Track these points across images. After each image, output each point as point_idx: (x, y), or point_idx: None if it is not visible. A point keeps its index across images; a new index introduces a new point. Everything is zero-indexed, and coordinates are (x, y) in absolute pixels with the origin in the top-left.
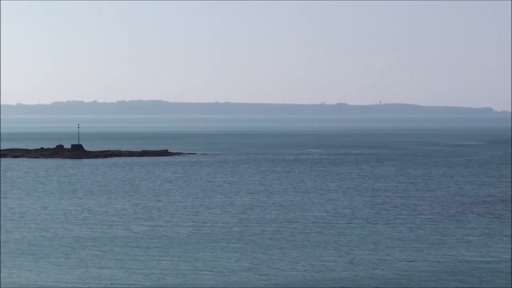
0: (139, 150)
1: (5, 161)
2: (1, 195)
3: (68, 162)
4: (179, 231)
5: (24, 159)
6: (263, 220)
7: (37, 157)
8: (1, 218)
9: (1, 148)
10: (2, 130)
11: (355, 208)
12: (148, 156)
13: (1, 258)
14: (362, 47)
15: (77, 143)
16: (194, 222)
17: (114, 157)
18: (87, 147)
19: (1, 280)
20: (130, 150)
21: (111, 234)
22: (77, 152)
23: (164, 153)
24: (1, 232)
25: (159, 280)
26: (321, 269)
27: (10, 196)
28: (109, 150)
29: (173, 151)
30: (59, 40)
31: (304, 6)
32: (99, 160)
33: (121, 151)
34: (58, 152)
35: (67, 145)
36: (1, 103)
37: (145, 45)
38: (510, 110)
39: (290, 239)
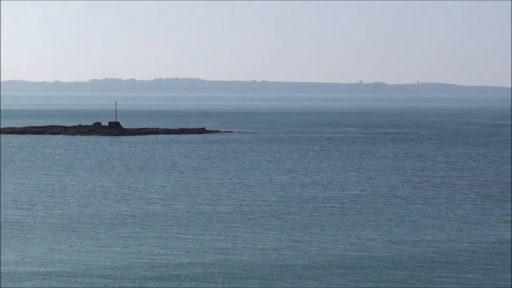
0: (176, 128)
1: (44, 138)
2: (43, 172)
3: (106, 139)
4: (218, 208)
5: (62, 136)
6: (302, 198)
7: (75, 134)
8: (42, 194)
9: (39, 125)
10: (40, 107)
11: (393, 187)
12: (185, 133)
13: (42, 233)
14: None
15: (114, 120)
16: (233, 199)
17: (151, 135)
18: (124, 124)
19: (43, 255)
20: (167, 127)
21: (151, 211)
22: (114, 129)
23: (201, 131)
24: (42, 207)
25: (198, 257)
26: (361, 248)
27: (50, 172)
28: (146, 128)
29: (210, 129)
30: (97, 17)
31: None
32: (137, 138)
33: (158, 128)
34: (95, 129)
35: (105, 123)
36: (39, 80)
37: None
38: None
39: (328, 217)
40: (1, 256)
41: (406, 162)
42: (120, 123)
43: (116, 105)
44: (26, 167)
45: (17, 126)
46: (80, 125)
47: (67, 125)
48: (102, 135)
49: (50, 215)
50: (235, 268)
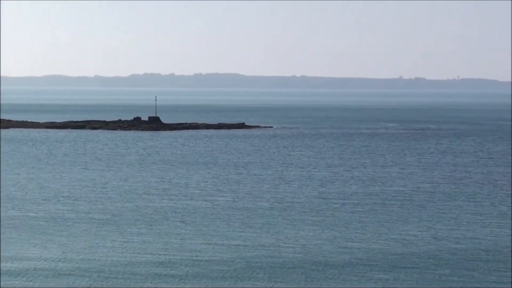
0: (216, 123)
1: (84, 132)
2: (84, 167)
3: (146, 134)
4: (259, 204)
5: (103, 130)
6: (343, 194)
7: (115, 129)
8: (83, 189)
9: (79, 120)
10: (80, 102)
11: (435, 183)
12: (224, 128)
13: (85, 227)
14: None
15: (154, 115)
16: (273, 195)
17: (191, 130)
18: (164, 119)
19: (86, 249)
20: (207, 123)
21: (192, 206)
22: (154, 124)
23: (241, 126)
24: (84, 202)
25: (240, 252)
26: (403, 243)
27: (91, 167)
28: (186, 123)
29: (250, 124)
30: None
31: None
32: (177, 132)
33: (198, 123)
34: (135, 124)
35: (144, 117)
36: (79, 75)
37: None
38: None
39: (370, 213)
40: (46, 249)
41: (447, 158)
42: (160, 118)
43: (155, 100)
44: (68, 162)
45: (58, 121)
46: (120, 120)
47: (107, 120)
48: (142, 130)
49: (92, 209)
50: (277, 264)
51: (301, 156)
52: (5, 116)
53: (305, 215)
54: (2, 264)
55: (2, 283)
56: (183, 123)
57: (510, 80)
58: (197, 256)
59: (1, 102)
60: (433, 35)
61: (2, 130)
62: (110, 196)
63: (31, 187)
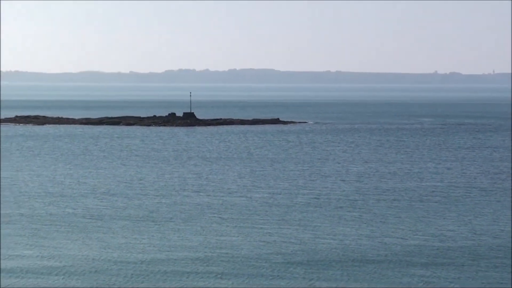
0: (250, 118)
1: (119, 128)
2: (121, 162)
3: (181, 130)
4: (296, 199)
5: (138, 127)
6: (380, 189)
7: (150, 125)
8: (120, 185)
9: (114, 116)
10: (115, 98)
11: (471, 177)
12: (259, 124)
13: (123, 223)
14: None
15: (189, 111)
16: (310, 190)
17: (225, 125)
18: (199, 115)
19: (125, 245)
20: (242, 118)
21: (229, 202)
22: (189, 120)
23: (276, 121)
24: (121, 198)
25: (278, 247)
26: (441, 239)
27: (128, 163)
28: (221, 118)
29: (285, 120)
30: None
31: None
32: (211, 128)
33: (232, 119)
34: (170, 120)
35: (179, 113)
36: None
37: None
38: None
39: (407, 208)
40: (85, 245)
41: (483, 153)
42: (195, 113)
43: (190, 95)
44: (104, 158)
45: (93, 117)
46: (155, 116)
47: (142, 116)
48: (177, 125)
49: (129, 205)
50: (314, 260)
51: (337, 151)
52: (40, 113)
53: (342, 211)
54: (42, 260)
55: (43, 279)
56: (217, 119)
57: None
58: (235, 252)
59: (40, 99)
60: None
61: (38, 126)
62: (147, 192)
63: (68, 183)
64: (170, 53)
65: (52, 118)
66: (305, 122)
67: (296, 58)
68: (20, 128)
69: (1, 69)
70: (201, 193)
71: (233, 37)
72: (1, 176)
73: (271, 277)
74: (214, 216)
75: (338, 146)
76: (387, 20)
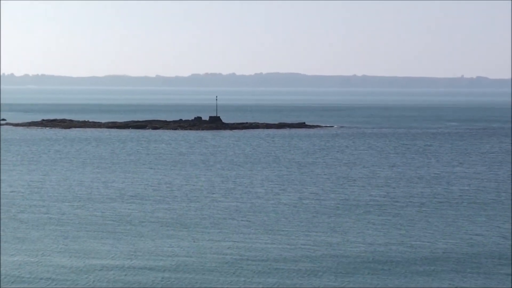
0: (276, 122)
1: (146, 132)
2: (148, 166)
3: (208, 133)
4: (324, 203)
5: (164, 130)
6: (408, 193)
7: (176, 129)
8: (148, 188)
9: (141, 120)
10: (141, 102)
11: (501, 181)
12: (285, 128)
13: (152, 227)
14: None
15: (215, 115)
16: (338, 194)
17: (251, 129)
18: (224, 119)
19: (155, 248)
20: (267, 122)
21: (258, 205)
22: (215, 124)
23: (302, 125)
24: (150, 202)
25: (308, 251)
26: (470, 243)
27: (155, 166)
28: (247, 122)
29: (310, 124)
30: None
31: None
32: (238, 132)
33: (258, 123)
34: (196, 124)
35: (205, 117)
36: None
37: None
38: None
39: (436, 212)
40: (114, 248)
41: (511, 157)
42: (220, 117)
43: (216, 99)
44: (132, 161)
45: (119, 121)
46: (181, 120)
47: (168, 119)
48: (203, 129)
49: (158, 209)
50: (344, 263)
51: (364, 155)
52: (66, 116)
53: (371, 215)
54: (71, 263)
55: (72, 282)
56: (243, 123)
57: None
58: (263, 255)
59: (66, 103)
60: (494, 34)
61: (64, 130)
62: (175, 195)
63: (96, 187)
64: (196, 57)
65: (78, 121)
66: (331, 126)
67: (322, 62)
68: (47, 131)
69: (28, 73)
70: (229, 197)
71: (260, 41)
72: (30, 179)
73: (300, 281)
74: (243, 220)
75: (365, 150)
76: (413, 23)
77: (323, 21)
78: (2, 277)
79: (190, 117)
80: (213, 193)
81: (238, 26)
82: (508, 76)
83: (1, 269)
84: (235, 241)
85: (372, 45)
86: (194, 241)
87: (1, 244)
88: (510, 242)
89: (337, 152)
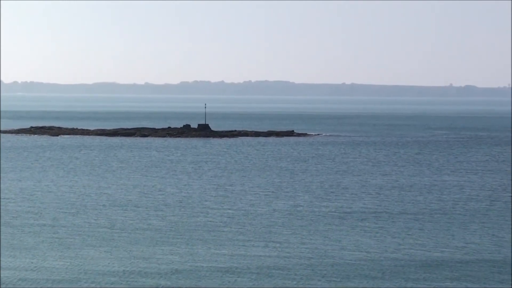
0: (265, 130)
1: (134, 139)
2: (140, 173)
3: (197, 141)
4: (318, 210)
5: (153, 138)
6: (402, 201)
7: (164, 136)
8: (142, 197)
9: (129, 127)
10: (130, 109)
11: (492, 190)
12: (274, 136)
13: (147, 234)
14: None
15: (203, 122)
16: (331, 202)
17: (240, 137)
18: (213, 126)
19: (149, 255)
20: (256, 130)
21: (251, 212)
22: (204, 131)
23: (290, 133)
24: (143, 209)
25: (303, 259)
26: (465, 251)
27: (148, 174)
28: (235, 130)
29: (299, 132)
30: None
31: None
32: (227, 140)
33: (247, 131)
34: (185, 131)
35: (194, 125)
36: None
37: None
38: None
39: (431, 220)
40: (109, 254)
41: (501, 165)
42: (209, 125)
43: (205, 107)
44: (122, 169)
45: (108, 128)
46: (169, 127)
47: (157, 127)
48: (192, 137)
49: (151, 216)
50: (339, 271)
51: (356, 164)
52: (55, 123)
53: (365, 222)
54: (67, 270)
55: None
56: (232, 131)
57: None
58: (259, 263)
59: (55, 110)
60: (483, 43)
61: (53, 137)
62: (169, 203)
63: (89, 194)
64: (186, 64)
65: (66, 128)
66: (320, 135)
67: (311, 71)
68: (36, 138)
69: (17, 80)
70: (222, 205)
71: (248, 49)
72: (23, 186)
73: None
74: (237, 228)
75: (356, 158)
76: (402, 32)
77: (312, 29)
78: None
79: (179, 124)
80: (206, 201)
81: (227, 34)
82: (496, 85)
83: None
84: (229, 249)
85: (361, 53)
86: (188, 249)
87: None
88: (506, 250)
89: (328, 160)
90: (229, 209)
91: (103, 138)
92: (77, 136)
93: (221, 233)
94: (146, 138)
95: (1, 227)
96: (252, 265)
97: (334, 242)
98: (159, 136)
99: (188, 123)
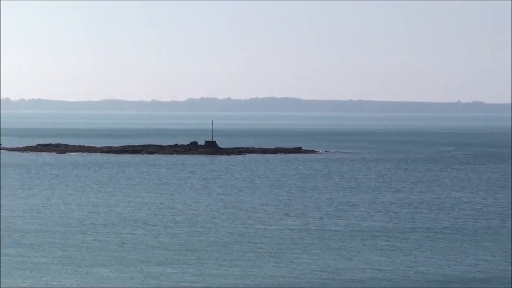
0: (273, 147)
1: (142, 157)
2: (149, 191)
3: (205, 158)
4: (330, 228)
5: (159, 155)
6: (413, 218)
7: (171, 153)
8: (151, 214)
9: (136, 144)
10: (136, 126)
11: (504, 207)
12: (281, 153)
13: (158, 252)
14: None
15: (210, 139)
16: (342, 219)
17: (247, 154)
18: (220, 143)
19: (160, 274)
20: (264, 147)
21: (262, 230)
22: (211, 148)
23: (298, 150)
24: (154, 227)
25: (315, 276)
26: (479, 268)
27: (157, 191)
28: (243, 147)
29: (307, 148)
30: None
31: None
32: (235, 157)
33: (254, 148)
34: (192, 148)
35: (201, 142)
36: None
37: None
38: None
39: (443, 237)
40: (120, 272)
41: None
42: (216, 142)
43: (212, 124)
44: (131, 186)
45: (114, 145)
46: (176, 145)
47: (164, 144)
48: (199, 154)
49: (161, 234)
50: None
51: (365, 180)
52: (62, 141)
53: (376, 240)
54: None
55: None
56: (239, 147)
57: None
58: (271, 281)
59: (61, 127)
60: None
61: (60, 154)
62: (178, 220)
63: (99, 211)
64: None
65: (73, 146)
66: (327, 151)
67: (318, 87)
68: (43, 156)
69: (24, 98)
70: (232, 222)
71: (255, 65)
72: (32, 203)
73: None
74: (248, 245)
75: (365, 175)
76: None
77: (318, 45)
78: None
79: (186, 141)
80: (216, 218)
81: (234, 51)
82: (505, 101)
83: None
84: (240, 267)
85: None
86: (198, 267)
87: (4, 270)
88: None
89: (337, 177)
90: (239, 227)
91: (111, 155)
92: (84, 153)
93: (231, 251)
94: (153, 155)
95: (11, 246)
96: (263, 284)
97: (346, 260)
98: (166, 153)
99: (195, 140)
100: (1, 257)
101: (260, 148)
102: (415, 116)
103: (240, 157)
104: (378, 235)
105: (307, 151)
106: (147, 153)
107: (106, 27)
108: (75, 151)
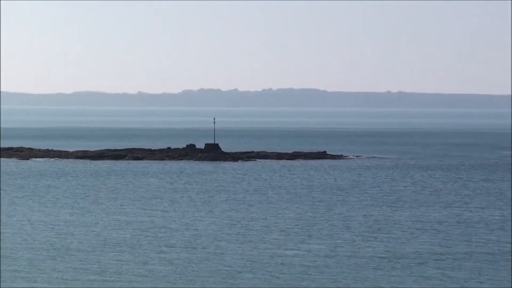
0: (290, 151)
1: (125, 163)
2: (136, 206)
3: (205, 165)
4: (364, 252)
5: (148, 161)
6: (469, 240)
7: (163, 159)
8: (140, 235)
9: (118, 148)
10: (119, 125)
11: None
12: (301, 159)
13: (148, 284)
14: None
15: (212, 142)
16: (380, 241)
17: (259, 160)
18: (224, 147)
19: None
20: (279, 151)
21: (280, 255)
22: (212, 153)
23: (322, 155)
24: (144, 251)
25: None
26: None
27: (146, 207)
28: (253, 151)
29: (333, 153)
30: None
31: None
32: (243, 164)
33: (267, 152)
34: (188, 153)
35: (200, 145)
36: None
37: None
38: None
39: (504, 263)
40: None
41: None
42: (219, 145)
43: (214, 122)
44: (115, 200)
45: (91, 149)
46: (169, 148)
47: (153, 147)
48: (197, 160)
49: (152, 259)
50: None
51: (408, 193)
52: (25, 144)
53: (424, 267)
54: None
55: None
56: (249, 152)
57: None
58: None
59: (24, 126)
60: None
61: (23, 161)
62: (173, 243)
63: (76, 233)
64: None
65: (39, 150)
66: (359, 157)
67: (346, 76)
68: (2, 162)
69: None
70: (241, 245)
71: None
72: None
73: None
74: (261, 274)
75: (408, 187)
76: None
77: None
78: None
79: (181, 144)
80: (220, 240)
81: (242, 32)
82: None
83: None
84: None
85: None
86: None
87: None
88: None
89: (372, 188)
90: (249, 251)
91: (86, 162)
92: (53, 159)
93: (240, 282)
94: (140, 162)
95: None
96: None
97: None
98: (156, 159)
99: (192, 143)
100: None
101: (274, 152)
102: (471, 112)
103: (249, 163)
104: (425, 262)
105: (333, 157)
106: (133, 159)
107: (80, 8)
108: (42, 157)
